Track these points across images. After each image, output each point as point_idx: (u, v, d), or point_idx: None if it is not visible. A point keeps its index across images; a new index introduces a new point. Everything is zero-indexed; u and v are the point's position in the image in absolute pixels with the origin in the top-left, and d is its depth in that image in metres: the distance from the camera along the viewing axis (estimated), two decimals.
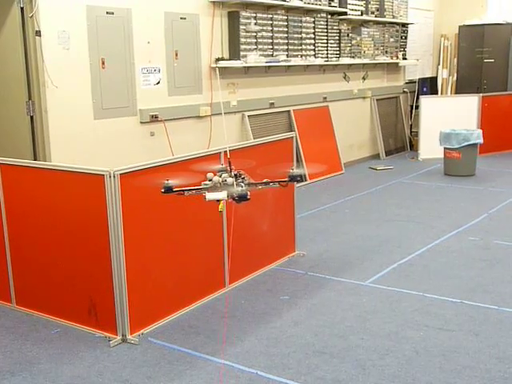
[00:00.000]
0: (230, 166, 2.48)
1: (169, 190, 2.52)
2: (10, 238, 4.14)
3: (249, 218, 4.62)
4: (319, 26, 8.20)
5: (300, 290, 4.46)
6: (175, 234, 3.99)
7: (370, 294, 4.34)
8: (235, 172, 2.48)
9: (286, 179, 2.50)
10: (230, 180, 2.44)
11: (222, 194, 2.41)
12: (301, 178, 2.53)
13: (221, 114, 7.02)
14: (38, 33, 5.22)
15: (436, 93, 11.19)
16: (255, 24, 7.13)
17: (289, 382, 3.21)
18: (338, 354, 3.49)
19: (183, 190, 2.50)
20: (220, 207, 2.41)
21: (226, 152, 4.23)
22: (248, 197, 2.44)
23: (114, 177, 3.51)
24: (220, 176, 2.46)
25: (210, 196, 2.42)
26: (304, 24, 7.92)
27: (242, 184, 2.45)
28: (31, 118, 5.41)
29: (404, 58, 10.27)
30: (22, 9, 5.21)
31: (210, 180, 2.46)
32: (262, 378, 3.25)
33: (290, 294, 4.37)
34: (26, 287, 4.14)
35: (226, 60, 6.93)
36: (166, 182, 2.51)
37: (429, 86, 11.02)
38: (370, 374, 3.27)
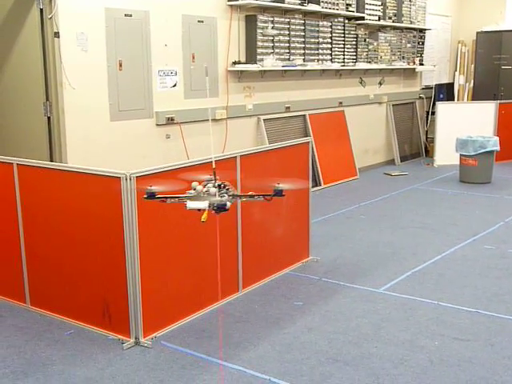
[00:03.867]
0: (214, 176, 2.45)
1: (151, 196, 2.48)
2: (26, 239, 4.16)
3: (263, 223, 4.61)
4: (336, 31, 8.18)
5: (314, 295, 4.44)
6: (190, 237, 3.98)
7: (385, 302, 4.31)
8: (219, 183, 2.45)
9: (270, 193, 2.46)
10: (212, 190, 2.41)
11: (202, 204, 2.38)
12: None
13: (237, 117, 7.02)
14: (57, 34, 5.25)
15: (452, 99, 11.12)
16: (272, 28, 7.12)
17: None
18: (351, 361, 3.47)
19: (165, 197, 2.48)
20: (203, 217, 2.37)
21: (240, 159, 4.22)
22: (227, 208, 2.41)
23: (131, 179, 3.52)
24: (204, 186, 2.44)
25: (190, 205, 2.39)
26: (321, 28, 7.90)
27: (226, 195, 2.42)
28: (48, 118, 5.43)
29: (421, 64, 10.21)
30: (41, 10, 5.24)
31: (194, 189, 2.44)
32: None
33: (303, 300, 4.36)
34: (41, 287, 4.15)
35: (243, 63, 6.94)
36: (149, 187, 2.48)
37: (445, 92, 10.96)
38: (383, 383, 3.24)
